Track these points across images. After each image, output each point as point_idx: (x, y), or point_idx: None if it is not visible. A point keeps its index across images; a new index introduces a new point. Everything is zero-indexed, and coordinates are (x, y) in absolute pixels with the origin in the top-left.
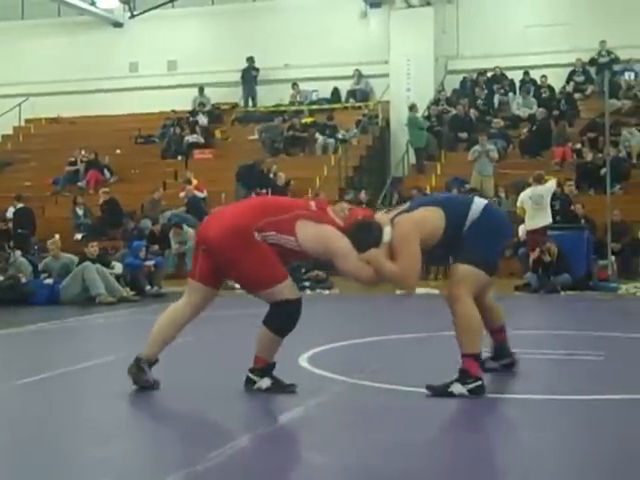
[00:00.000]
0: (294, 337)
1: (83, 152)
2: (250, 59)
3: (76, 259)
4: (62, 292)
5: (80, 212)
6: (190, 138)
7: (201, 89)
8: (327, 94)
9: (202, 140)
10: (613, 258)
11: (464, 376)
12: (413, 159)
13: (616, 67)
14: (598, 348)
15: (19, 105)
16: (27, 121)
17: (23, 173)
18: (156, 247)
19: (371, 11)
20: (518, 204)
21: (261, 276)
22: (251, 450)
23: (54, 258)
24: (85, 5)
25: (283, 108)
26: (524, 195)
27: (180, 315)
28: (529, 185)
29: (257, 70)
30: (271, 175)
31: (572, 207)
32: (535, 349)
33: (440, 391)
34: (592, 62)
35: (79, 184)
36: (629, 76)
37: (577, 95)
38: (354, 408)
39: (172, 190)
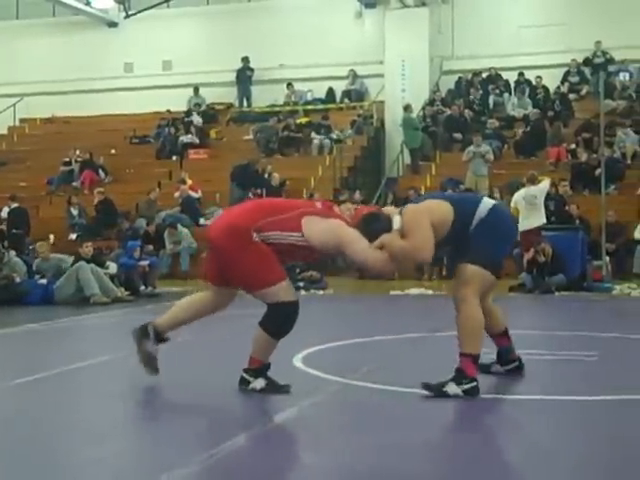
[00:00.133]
0: (288, 337)
1: (78, 152)
2: (245, 59)
3: (67, 258)
4: (56, 292)
5: (75, 212)
6: (185, 138)
7: (196, 89)
8: (322, 94)
9: (197, 140)
10: (607, 259)
11: (459, 376)
12: (408, 159)
13: (611, 68)
14: (592, 348)
15: (14, 105)
16: (22, 121)
17: (17, 173)
18: (151, 247)
19: (366, 11)
20: (512, 204)
21: (257, 277)
22: (245, 450)
23: (44, 260)
24: (80, 5)
25: (278, 108)
26: (518, 195)
27: (201, 304)
28: (523, 185)
29: (252, 70)
30: (266, 175)
31: (567, 207)
32: (529, 349)
33: (435, 390)
34: (587, 62)
35: (74, 184)
36: (624, 77)
37: (572, 96)
38: (348, 408)
39: (167, 190)
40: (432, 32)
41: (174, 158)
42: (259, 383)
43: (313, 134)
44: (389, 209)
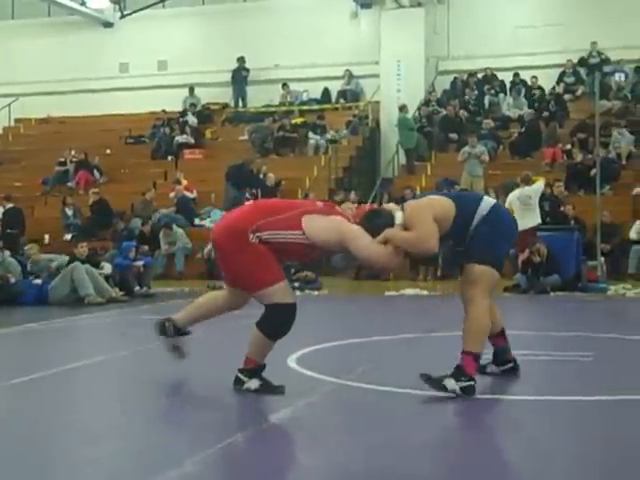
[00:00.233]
0: (283, 338)
1: (73, 152)
2: (240, 59)
3: (56, 257)
4: (51, 292)
5: (70, 212)
6: (180, 138)
7: (191, 89)
8: (317, 94)
9: (192, 140)
10: (602, 259)
11: (459, 373)
12: (403, 160)
13: (606, 68)
14: (587, 349)
15: (9, 105)
16: (17, 121)
17: (13, 173)
18: (146, 247)
19: (362, 11)
20: (506, 205)
21: (254, 277)
22: (240, 450)
23: (35, 262)
24: (75, 5)
25: (273, 108)
26: (512, 196)
27: (215, 303)
28: (517, 186)
29: (247, 70)
30: (261, 175)
31: (562, 208)
32: (524, 350)
33: (434, 383)
34: (582, 63)
35: (69, 184)
36: (619, 77)
37: (567, 96)
38: (342, 409)
39: (162, 190)
40: (428, 32)
41: (169, 158)
42: (253, 383)
43: (310, 134)
44: (390, 205)
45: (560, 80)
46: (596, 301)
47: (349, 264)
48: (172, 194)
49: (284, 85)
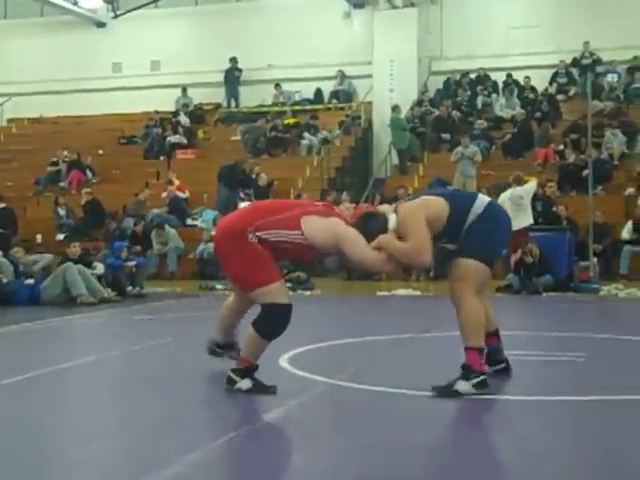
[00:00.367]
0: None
1: (65, 152)
2: (233, 59)
3: (44, 257)
4: (43, 292)
5: (62, 212)
6: (172, 138)
7: (184, 89)
8: (310, 95)
9: (185, 140)
10: (595, 259)
11: (467, 371)
12: (396, 160)
13: (599, 69)
14: (579, 349)
15: (1, 105)
16: (9, 121)
17: (5, 173)
18: (138, 248)
19: (354, 12)
20: None
21: (251, 276)
22: (232, 450)
23: (24, 264)
24: (68, 5)
25: (266, 109)
26: (504, 196)
27: (227, 309)
28: (509, 186)
29: (240, 70)
30: (253, 175)
31: (554, 208)
32: (516, 350)
33: (445, 392)
34: (575, 63)
35: (61, 184)
36: (611, 78)
37: (560, 96)
38: (335, 409)
39: (154, 190)
40: (420, 33)
41: (162, 158)
42: (245, 383)
43: (306, 134)
44: (384, 207)
45: (553, 80)
46: (588, 301)
47: (342, 265)
48: (164, 194)
49: (277, 85)
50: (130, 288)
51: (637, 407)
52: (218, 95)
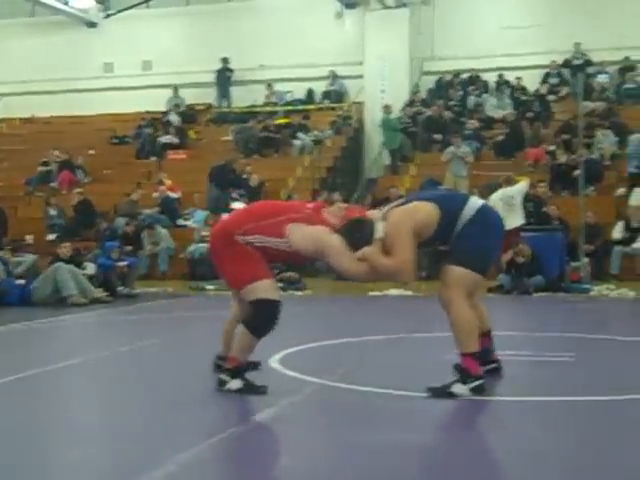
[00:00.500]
0: (266, 338)
1: (56, 153)
2: (225, 60)
3: (28, 257)
4: (34, 292)
5: (53, 213)
6: (164, 139)
7: (176, 89)
8: (302, 95)
9: (176, 140)
10: (586, 260)
11: (465, 376)
12: (387, 160)
13: (590, 69)
14: (570, 350)
15: None
16: (1, 121)
17: None
18: (129, 248)
19: (346, 12)
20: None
21: (240, 274)
22: (223, 450)
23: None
24: (59, 5)
25: (257, 109)
26: (495, 196)
27: (233, 318)
28: (500, 187)
29: (231, 71)
30: (244, 176)
31: (545, 209)
32: (507, 350)
33: (441, 393)
34: (566, 64)
35: (52, 184)
36: (602, 78)
37: (551, 97)
38: (325, 409)
39: (146, 191)
40: (412, 33)
41: (153, 158)
42: (236, 384)
43: (300, 134)
44: (373, 213)
45: (544, 81)
46: (579, 301)
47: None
48: (155, 194)
49: (268, 85)
50: (121, 288)
51: (628, 407)
52: (210, 95)
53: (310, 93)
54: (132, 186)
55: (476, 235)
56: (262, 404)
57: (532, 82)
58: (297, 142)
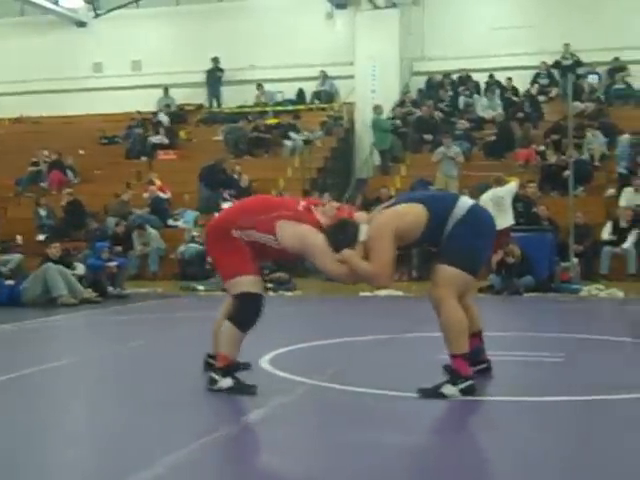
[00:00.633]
0: (255, 338)
1: (46, 153)
2: (215, 60)
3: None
4: (23, 293)
5: (43, 213)
6: (154, 139)
7: (166, 90)
8: (292, 95)
9: (166, 141)
10: (575, 260)
11: (455, 377)
12: (378, 160)
13: (580, 70)
14: (560, 350)
15: None
16: None
17: None
18: (119, 248)
19: (337, 12)
20: None
21: (227, 266)
22: (212, 451)
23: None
24: (48, 4)
25: (248, 109)
26: (485, 197)
27: (221, 315)
28: (491, 187)
29: (222, 71)
30: (235, 176)
31: (534, 209)
32: (497, 350)
33: (431, 393)
34: (556, 65)
35: (42, 185)
36: (592, 79)
37: (541, 97)
38: (316, 410)
39: (136, 191)
40: (402, 33)
41: (143, 159)
42: (226, 382)
43: (292, 134)
44: (361, 215)
45: (534, 82)
46: (569, 302)
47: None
48: (146, 195)
49: (259, 86)
50: (111, 289)
51: (619, 407)
52: (200, 95)
53: (300, 93)
54: (122, 186)
55: (467, 235)
56: (252, 404)
57: (522, 83)
58: (288, 142)
